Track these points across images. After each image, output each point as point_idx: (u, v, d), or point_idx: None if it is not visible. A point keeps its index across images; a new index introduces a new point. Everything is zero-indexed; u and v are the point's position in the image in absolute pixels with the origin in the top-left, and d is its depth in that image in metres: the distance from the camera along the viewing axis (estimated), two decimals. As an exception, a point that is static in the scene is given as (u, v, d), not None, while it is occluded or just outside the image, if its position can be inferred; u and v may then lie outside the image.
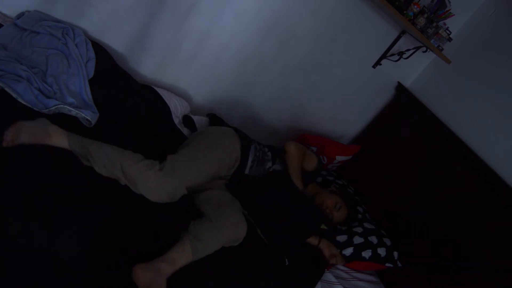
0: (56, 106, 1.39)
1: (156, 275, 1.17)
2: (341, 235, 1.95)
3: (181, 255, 1.27)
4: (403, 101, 2.55)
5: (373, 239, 1.94)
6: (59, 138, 1.29)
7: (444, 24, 2.10)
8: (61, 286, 1.08)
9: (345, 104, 2.60)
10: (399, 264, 1.93)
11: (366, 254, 1.88)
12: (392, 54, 2.38)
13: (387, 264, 1.91)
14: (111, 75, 1.78)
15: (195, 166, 1.47)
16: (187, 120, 2.02)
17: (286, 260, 1.63)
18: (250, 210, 1.65)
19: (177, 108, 1.97)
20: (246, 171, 1.72)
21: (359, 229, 1.99)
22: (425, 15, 1.99)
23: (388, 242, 1.96)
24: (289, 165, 1.81)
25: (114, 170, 1.31)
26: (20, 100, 1.33)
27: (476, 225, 1.87)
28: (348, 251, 1.88)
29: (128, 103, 1.71)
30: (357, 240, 1.92)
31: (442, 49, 2.10)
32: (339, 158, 2.50)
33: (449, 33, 2.10)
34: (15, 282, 1.02)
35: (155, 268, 1.18)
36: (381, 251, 1.90)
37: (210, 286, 1.37)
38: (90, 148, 1.30)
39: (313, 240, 1.82)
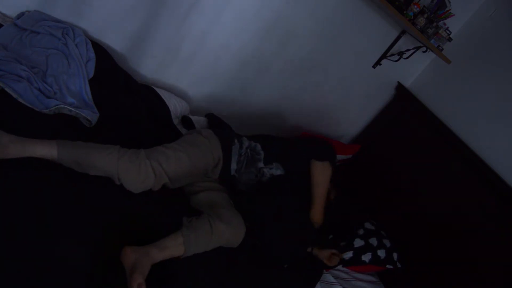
0: (56, 106, 1.39)
1: (143, 257, 1.18)
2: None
3: (173, 243, 1.27)
4: (403, 101, 2.55)
5: (373, 241, 1.93)
6: (25, 148, 1.17)
7: (444, 24, 2.10)
8: (61, 286, 1.08)
9: (345, 104, 2.60)
10: (399, 265, 1.93)
11: (366, 257, 1.87)
12: (392, 54, 2.38)
13: (387, 266, 1.91)
14: (111, 75, 1.78)
15: (173, 156, 1.42)
16: (186, 121, 2.02)
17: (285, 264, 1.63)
18: (251, 222, 1.59)
19: (177, 109, 1.97)
20: (232, 173, 1.64)
21: (360, 231, 1.99)
22: (425, 15, 1.99)
23: (387, 243, 1.96)
24: (314, 194, 1.71)
25: (106, 174, 1.30)
26: (20, 100, 1.33)
27: (476, 225, 1.87)
28: (348, 255, 1.87)
29: (128, 103, 1.71)
30: (358, 243, 1.91)
31: (442, 49, 2.10)
32: (339, 157, 2.50)
33: (449, 33, 2.10)
34: (15, 282, 1.02)
35: (144, 251, 1.20)
36: (381, 253, 1.90)
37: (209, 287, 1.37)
38: (80, 159, 1.25)
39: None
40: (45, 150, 1.21)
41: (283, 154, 1.73)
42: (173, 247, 1.27)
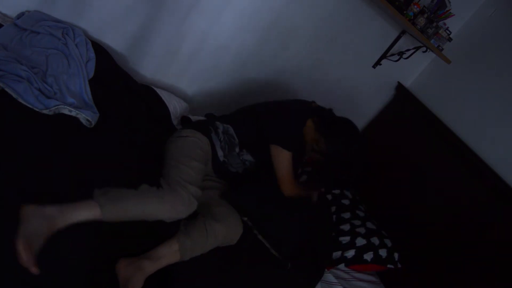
0: (56, 106, 1.39)
1: (136, 272, 1.17)
2: (344, 236, 1.95)
3: (168, 252, 1.26)
4: (403, 101, 2.55)
5: (375, 240, 1.94)
6: (70, 216, 1.11)
7: (444, 24, 2.10)
8: (61, 286, 1.08)
9: (345, 104, 2.59)
10: (399, 265, 1.93)
11: (368, 256, 1.87)
12: (392, 54, 2.38)
13: (388, 266, 1.91)
14: (111, 75, 1.78)
15: (190, 169, 1.43)
16: (185, 121, 2.01)
17: (289, 264, 1.63)
18: (250, 217, 1.61)
19: (176, 109, 1.97)
20: (221, 159, 1.65)
21: (362, 230, 1.99)
22: (425, 15, 1.99)
23: (388, 243, 1.96)
24: (277, 177, 1.67)
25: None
26: (20, 100, 1.33)
27: (476, 225, 1.87)
28: (350, 254, 1.87)
29: (128, 103, 1.71)
30: (360, 242, 1.91)
31: (442, 49, 2.10)
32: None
33: (449, 33, 2.10)
34: (15, 282, 1.02)
35: (137, 265, 1.19)
36: (382, 253, 1.90)
37: None
38: (125, 217, 1.23)
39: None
40: (88, 213, 1.14)
41: (249, 142, 1.71)
42: (168, 255, 1.27)
